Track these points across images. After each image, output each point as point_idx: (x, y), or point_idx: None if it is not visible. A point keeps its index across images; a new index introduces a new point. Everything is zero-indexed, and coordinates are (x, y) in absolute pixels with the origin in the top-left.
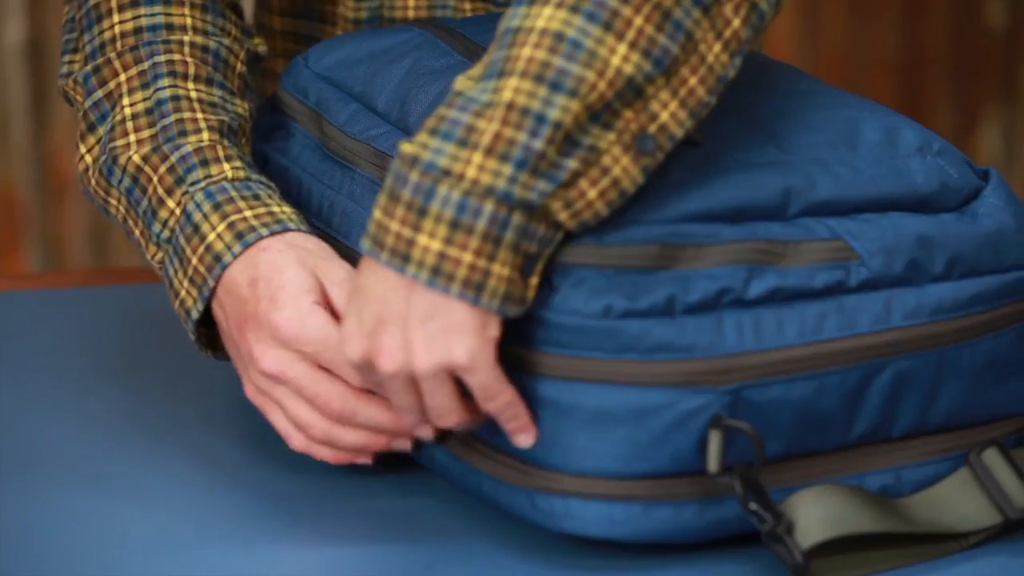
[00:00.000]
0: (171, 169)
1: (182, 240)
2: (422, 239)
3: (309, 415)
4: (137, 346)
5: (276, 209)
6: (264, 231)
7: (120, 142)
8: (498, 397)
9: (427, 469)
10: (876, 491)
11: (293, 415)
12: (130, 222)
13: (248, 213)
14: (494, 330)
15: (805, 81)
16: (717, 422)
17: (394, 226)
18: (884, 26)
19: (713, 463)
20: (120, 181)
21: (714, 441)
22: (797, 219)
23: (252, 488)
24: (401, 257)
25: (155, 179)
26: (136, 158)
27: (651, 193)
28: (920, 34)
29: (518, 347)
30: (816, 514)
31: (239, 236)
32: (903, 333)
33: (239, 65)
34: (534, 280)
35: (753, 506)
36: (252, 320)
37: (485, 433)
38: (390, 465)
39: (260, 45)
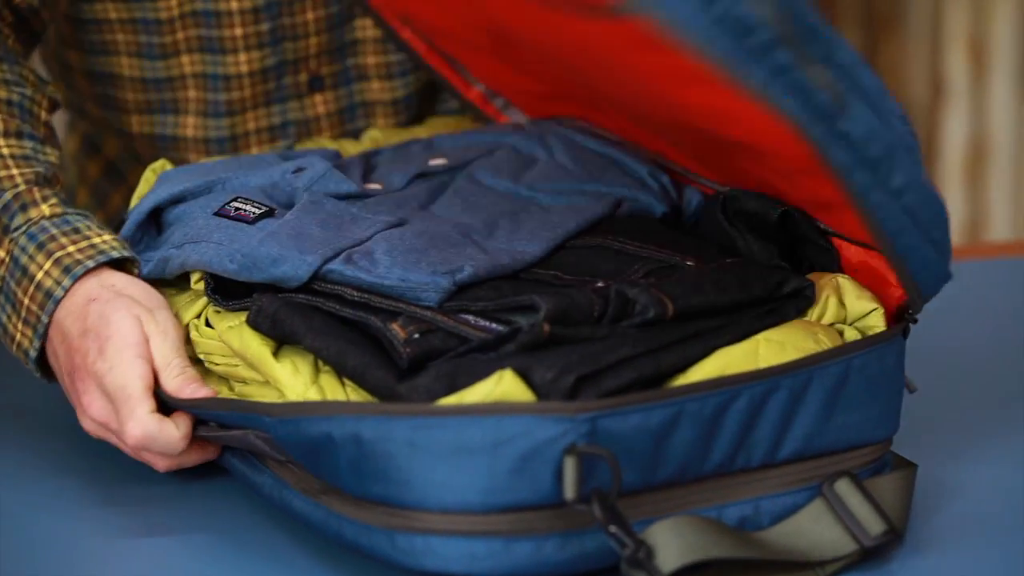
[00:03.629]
0: None
1: (12, 285)
2: None
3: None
4: None
5: (97, 240)
6: (90, 263)
7: None
8: None
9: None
10: (735, 522)
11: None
12: None
13: (72, 248)
14: None
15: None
16: (572, 449)
17: None
18: None
19: (569, 490)
20: None
21: (569, 467)
22: None
23: (99, 520)
24: None
25: None
26: None
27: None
28: None
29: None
30: (675, 541)
31: (67, 271)
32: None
33: (43, 113)
34: None
35: (613, 528)
36: (81, 370)
37: (343, 483)
38: (248, 504)
39: (56, 92)
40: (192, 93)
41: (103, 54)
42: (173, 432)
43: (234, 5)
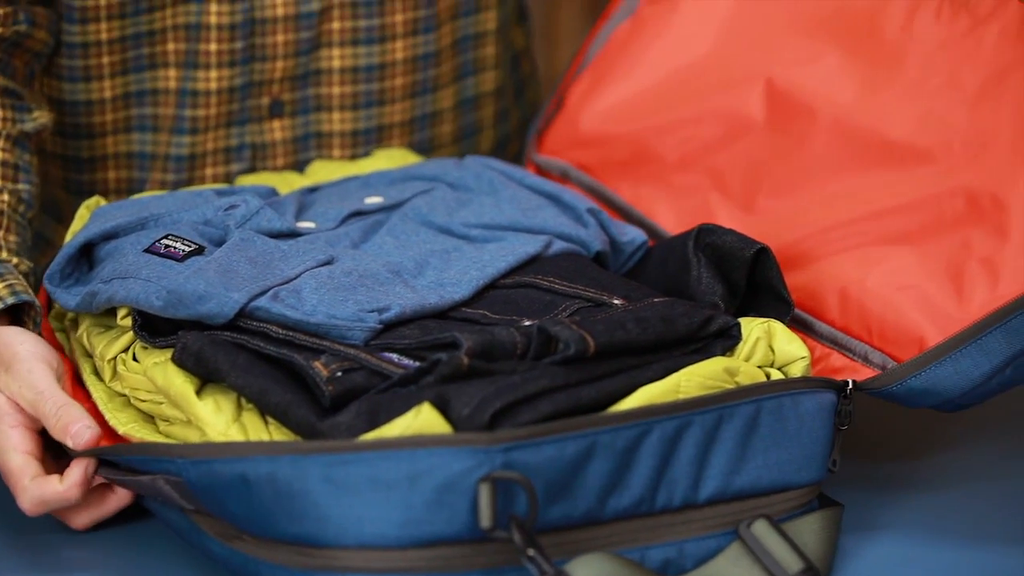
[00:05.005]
0: None
1: None
2: None
3: None
4: None
5: None
6: None
7: None
8: None
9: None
10: (659, 565)
11: None
12: None
13: None
14: None
15: None
16: (486, 477)
17: None
18: None
19: (485, 518)
20: None
21: (484, 494)
22: None
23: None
24: None
25: None
26: None
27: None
28: None
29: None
30: (593, 567)
31: None
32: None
33: (1, 154)
34: None
35: (531, 552)
36: None
37: (257, 525)
38: (169, 547)
39: (39, 119)
40: (169, 111)
41: (83, 80)
42: (56, 488)
43: (213, 20)
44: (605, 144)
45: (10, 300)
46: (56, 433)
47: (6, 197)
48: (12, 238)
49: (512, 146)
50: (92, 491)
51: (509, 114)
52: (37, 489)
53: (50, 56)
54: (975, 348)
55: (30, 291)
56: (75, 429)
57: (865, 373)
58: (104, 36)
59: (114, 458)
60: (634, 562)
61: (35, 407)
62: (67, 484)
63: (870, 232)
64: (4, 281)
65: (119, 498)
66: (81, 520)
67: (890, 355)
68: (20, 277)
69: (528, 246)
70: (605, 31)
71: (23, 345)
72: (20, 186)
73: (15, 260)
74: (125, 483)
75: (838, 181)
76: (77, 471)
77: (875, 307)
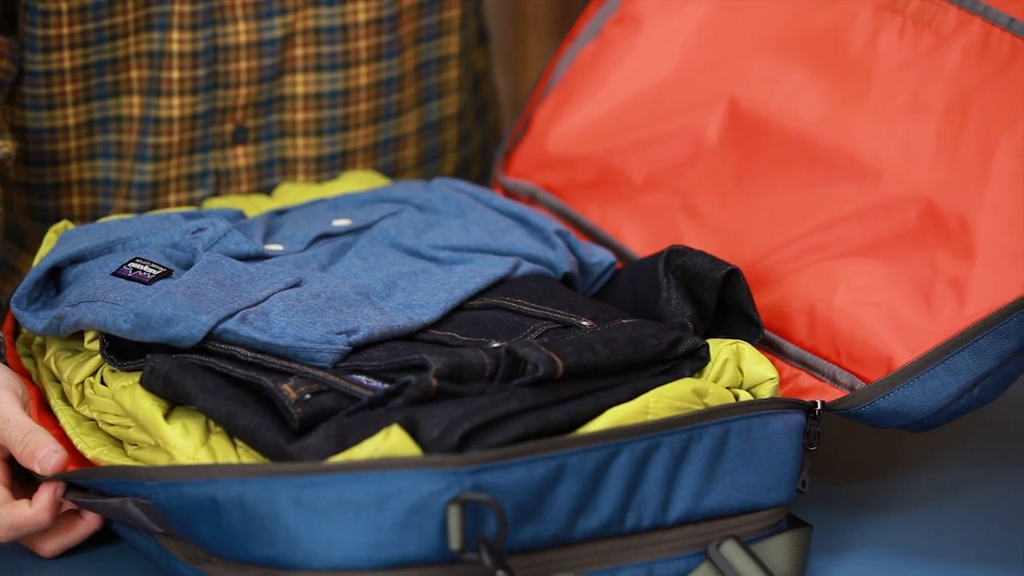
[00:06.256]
0: None
1: None
2: None
3: None
4: None
5: None
6: None
7: None
8: None
9: None
10: None
11: None
12: None
13: None
14: None
15: None
16: (455, 499)
17: None
18: None
19: (454, 539)
20: None
21: (453, 516)
22: None
23: None
24: None
25: None
26: None
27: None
28: None
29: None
30: None
31: None
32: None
33: None
34: None
35: (501, 574)
36: None
37: (226, 547)
38: (138, 571)
39: (2, 148)
40: (133, 138)
41: (46, 108)
42: (25, 512)
43: (175, 47)
44: (572, 165)
45: None
46: (23, 459)
47: None
48: None
49: (474, 168)
50: (60, 518)
51: (471, 136)
52: (7, 515)
53: (13, 85)
54: (943, 369)
55: None
56: (42, 454)
57: (833, 393)
58: (67, 64)
59: (82, 482)
60: None
61: (1, 435)
62: (36, 508)
63: (835, 246)
64: None
65: (87, 524)
66: (49, 547)
67: (858, 375)
68: None
69: (496, 268)
70: (570, 52)
71: None
72: None
73: None
74: (94, 507)
75: (803, 198)
76: (46, 494)
77: (843, 326)
